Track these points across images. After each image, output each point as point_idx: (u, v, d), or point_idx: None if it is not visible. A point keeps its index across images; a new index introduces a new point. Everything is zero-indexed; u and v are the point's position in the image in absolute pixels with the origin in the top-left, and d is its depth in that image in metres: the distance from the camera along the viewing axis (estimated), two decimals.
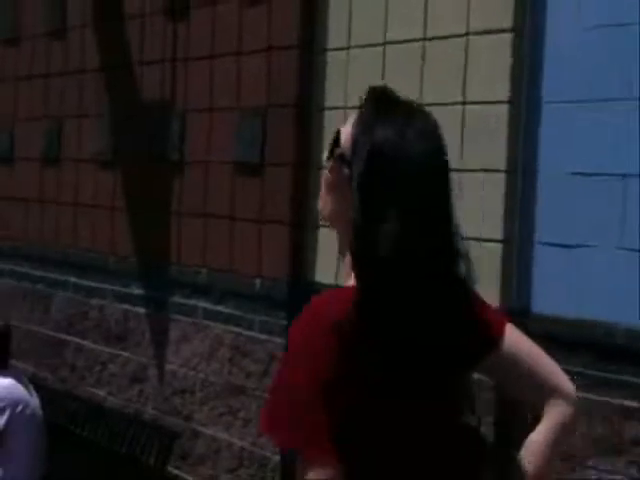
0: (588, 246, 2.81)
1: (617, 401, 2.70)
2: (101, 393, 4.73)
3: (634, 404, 2.66)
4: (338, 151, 1.62)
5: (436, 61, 3.19)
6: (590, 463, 2.76)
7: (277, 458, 3.63)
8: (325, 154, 1.65)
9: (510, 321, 1.68)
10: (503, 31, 2.99)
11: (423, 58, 3.23)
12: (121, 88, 4.70)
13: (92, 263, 4.82)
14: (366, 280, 1.55)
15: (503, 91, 2.96)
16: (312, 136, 3.60)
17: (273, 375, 1.72)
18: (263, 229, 3.73)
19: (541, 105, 2.95)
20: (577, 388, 1.59)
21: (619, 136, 2.76)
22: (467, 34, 3.09)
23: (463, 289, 1.63)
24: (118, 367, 4.57)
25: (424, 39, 3.24)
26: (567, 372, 1.61)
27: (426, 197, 1.57)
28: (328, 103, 3.57)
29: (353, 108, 3.45)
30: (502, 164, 2.93)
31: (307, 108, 3.63)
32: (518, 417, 1.85)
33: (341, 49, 3.53)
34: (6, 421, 4.15)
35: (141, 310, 4.45)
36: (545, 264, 2.90)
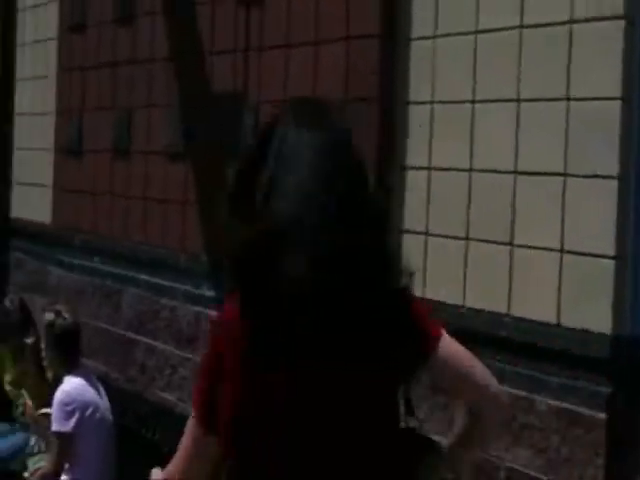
0: None
1: None
2: (171, 398, 4.50)
3: None
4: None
5: (535, 52, 2.83)
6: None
7: None
8: None
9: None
10: (614, 18, 2.62)
11: (520, 48, 2.87)
12: (191, 78, 4.44)
13: (163, 260, 4.58)
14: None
15: (614, 86, 2.60)
16: (396, 132, 3.27)
17: None
18: None
19: None
20: None
21: None
22: (571, 21, 2.73)
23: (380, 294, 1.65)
24: (189, 371, 4.33)
25: (521, 27, 2.88)
26: None
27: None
28: (413, 97, 3.24)
29: (441, 103, 3.08)
30: (614, 169, 2.57)
31: (390, 102, 3.31)
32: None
33: (427, 38, 3.19)
34: (75, 424, 3.98)
35: (214, 313, 4.20)
36: None
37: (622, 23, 2.60)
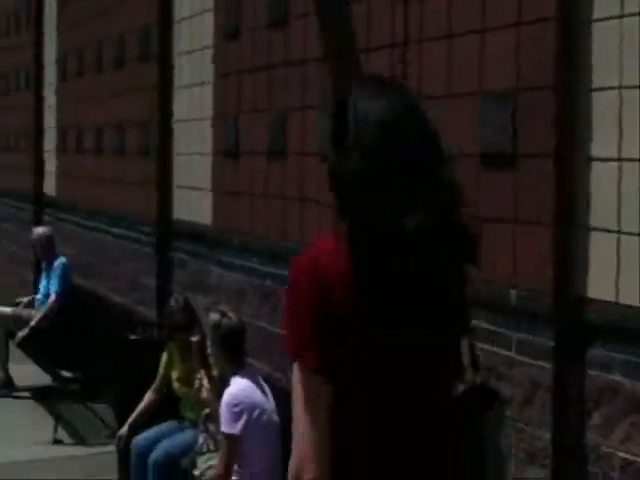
0: None
1: None
2: None
3: None
4: None
5: None
6: None
7: None
8: None
9: None
10: None
11: None
12: (346, 77, 4.10)
13: None
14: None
15: None
16: (580, 122, 2.82)
17: None
18: (518, 231, 2.99)
19: None
20: None
21: None
22: None
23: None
24: None
25: None
26: None
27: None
28: (597, 83, 2.78)
29: (631, 88, 2.51)
30: None
31: (569, 90, 2.86)
32: None
33: (611, 18, 2.73)
34: (243, 426, 3.70)
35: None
36: None
37: None
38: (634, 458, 2.55)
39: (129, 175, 6.57)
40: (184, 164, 5.81)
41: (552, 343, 2.73)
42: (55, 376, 6.82)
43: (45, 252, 7.24)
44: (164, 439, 4.53)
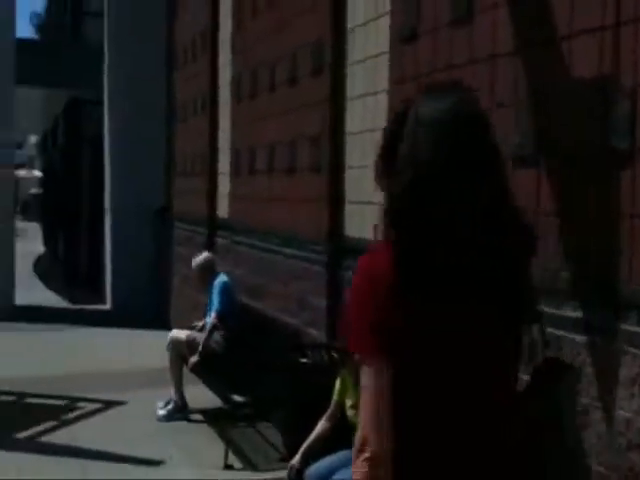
0: None
1: None
2: None
3: None
4: None
5: None
6: None
7: None
8: None
9: None
10: None
11: None
12: (542, 70, 3.52)
13: None
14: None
15: None
16: None
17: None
18: None
19: None
20: None
21: None
22: None
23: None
24: None
25: None
26: None
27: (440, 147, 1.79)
28: None
29: None
30: None
31: None
32: None
33: None
34: None
35: (579, 338, 3.22)
36: None
37: None
38: None
39: (300, 193, 6.21)
40: (356, 178, 5.38)
41: None
42: (226, 400, 6.55)
43: (206, 278, 7.09)
44: (338, 470, 4.08)
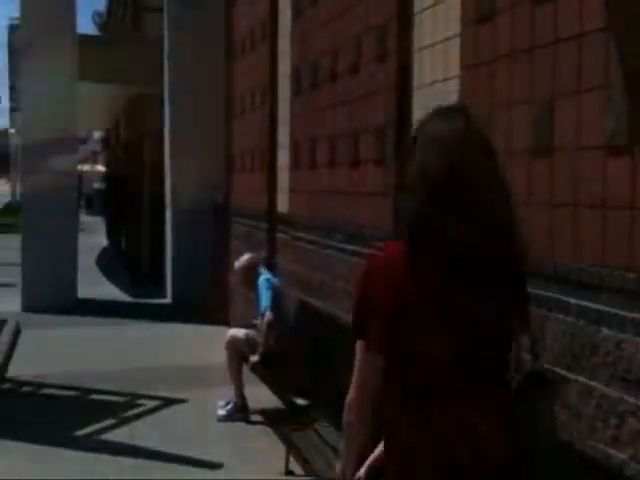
0: None
1: None
2: (621, 456, 3.13)
3: None
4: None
5: None
6: None
7: None
8: None
9: None
10: None
11: None
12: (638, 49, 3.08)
13: (602, 281, 3.25)
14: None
15: None
16: None
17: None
18: None
19: None
20: None
21: None
22: None
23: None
24: None
25: None
26: None
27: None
28: None
29: None
30: None
31: None
32: None
33: None
34: None
35: None
36: None
37: None
38: None
39: (363, 187, 5.82)
40: None
41: None
42: (287, 401, 6.24)
43: (251, 279, 6.87)
44: None
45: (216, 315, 10.32)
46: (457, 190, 1.96)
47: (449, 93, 4.51)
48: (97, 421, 6.66)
